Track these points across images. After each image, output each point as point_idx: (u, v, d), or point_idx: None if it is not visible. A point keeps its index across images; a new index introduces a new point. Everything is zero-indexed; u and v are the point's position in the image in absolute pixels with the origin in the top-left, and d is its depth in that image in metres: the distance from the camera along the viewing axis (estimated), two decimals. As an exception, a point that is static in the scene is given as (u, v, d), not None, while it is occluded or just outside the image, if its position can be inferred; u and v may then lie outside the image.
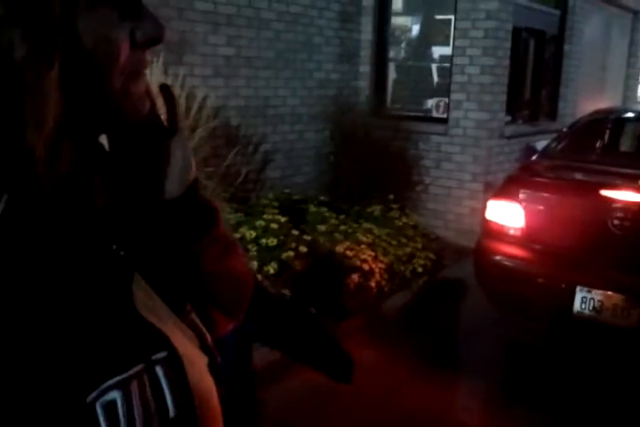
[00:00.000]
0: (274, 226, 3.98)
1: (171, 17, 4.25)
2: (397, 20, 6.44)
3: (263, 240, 3.88)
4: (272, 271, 3.75)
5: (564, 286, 3.47)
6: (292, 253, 3.85)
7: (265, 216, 4.07)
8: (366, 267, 4.05)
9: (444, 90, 5.93)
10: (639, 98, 11.14)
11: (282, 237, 3.93)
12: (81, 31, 0.51)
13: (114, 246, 0.58)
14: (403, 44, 6.68)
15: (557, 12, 6.91)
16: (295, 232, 4.04)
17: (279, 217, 4.09)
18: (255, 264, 3.74)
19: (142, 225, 0.64)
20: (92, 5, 0.52)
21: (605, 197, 3.49)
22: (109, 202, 0.61)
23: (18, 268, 0.49)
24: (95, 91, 0.54)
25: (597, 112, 5.24)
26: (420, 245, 4.58)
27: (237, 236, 3.84)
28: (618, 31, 9.08)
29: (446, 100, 5.82)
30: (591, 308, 3.37)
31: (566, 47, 7.01)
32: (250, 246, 3.84)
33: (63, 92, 0.52)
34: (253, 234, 3.91)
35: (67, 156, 0.54)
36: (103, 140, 0.63)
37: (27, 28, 0.49)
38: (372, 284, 4.08)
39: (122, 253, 0.58)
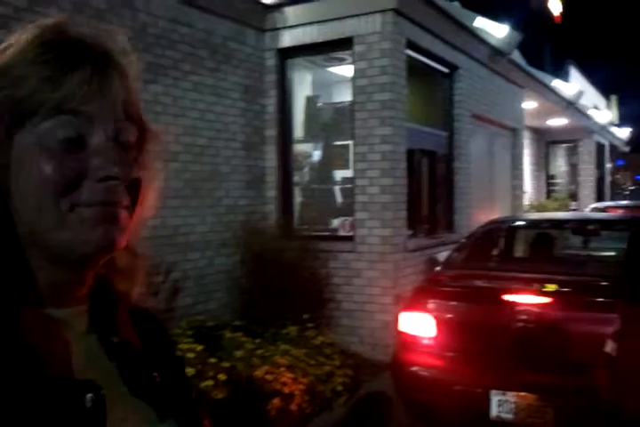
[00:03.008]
0: (190, 355, 3.91)
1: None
2: (299, 147, 6.85)
3: (180, 370, 3.79)
4: (190, 402, 3.64)
5: (479, 391, 3.55)
6: (210, 382, 3.78)
7: (180, 346, 4.01)
8: (286, 390, 4.00)
9: (348, 209, 6.24)
10: (525, 207, 12.03)
11: (199, 366, 3.87)
12: None
13: None
14: (306, 169, 7.05)
15: (445, 134, 7.57)
16: (212, 360, 3.98)
17: (195, 346, 4.04)
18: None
19: None
20: None
21: (507, 302, 3.69)
22: None
23: None
24: None
25: (491, 222, 5.64)
26: (337, 363, 4.60)
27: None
28: (500, 147, 9.96)
29: (351, 219, 6.10)
30: (507, 410, 3.45)
31: (456, 164, 7.61)
32: (166, 378, 3.74)
33: None
34: (169, 365, 3.82)
35: None
36: None
37: None
38: (294, 407, 4.02)
39: None
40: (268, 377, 4.03)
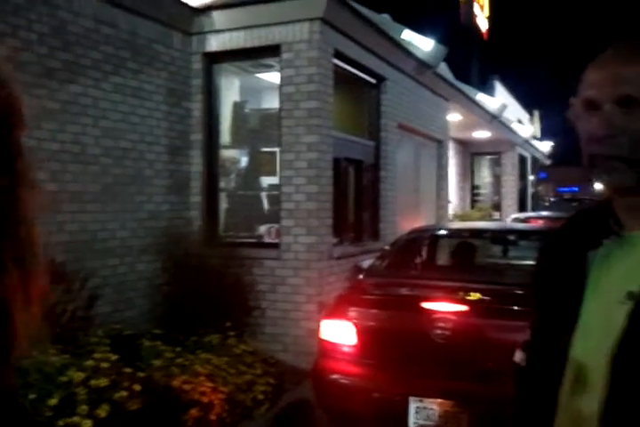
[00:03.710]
0: (104, 365, 3.77)
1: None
2: (226, 153, 6.77)
3: (93, 381, 3.65)
4: (104, 414, 3.51)
5: (398, 398, 3.57)
6: (124, 393, 3.65)
7: (95, 355, 3.86)
8: (205, 399, 3.92)
9: (274, 216, 6.20)
10: (450, 216, 12.31)
11: (114, 377, 3.73)
12: None
13: None
14: (233, 175, 6.98)
15: (372, 143, 7.64)
16: (128, 370, 3.85)
17: (110, 355, 3.90)
18: (85, 408, 3.49)
19: None
20: None
21: (426, 309, 3.74)
22: None
23: None
24: None
25: (414, 231, 5.72)
26: (259, 372, 4.54)
27: (64, 379, 3.60)
28: (426, 157, 10.16)
29: (277, 226, 6.07)
30: (425, 417, 3.48)
31: (382, 173, 7.70)
32: (78, 390, 3.59)
33: None
34: (82, 376, 3.67)
35: None
36: None
37: None
38: (213, 417, 3.94)
39: None
40: (186, 387, 3.93)
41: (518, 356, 1.46)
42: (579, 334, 1.17)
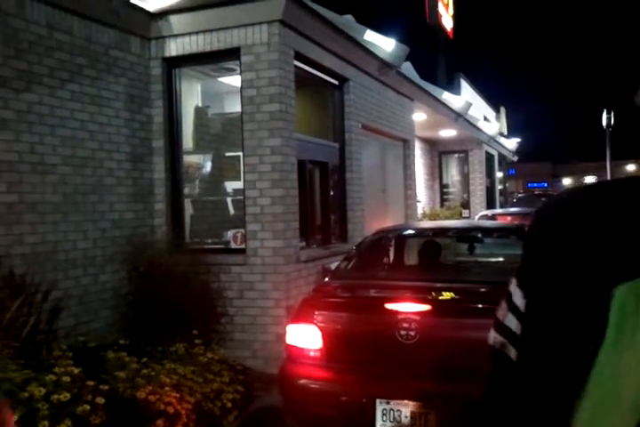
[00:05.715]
0: (66, 379, 3.69)
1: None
2: (189, 158, 6.71)
3: (55, 396, 3.58)
4: (66, 430, 3.44)
5: (364, 400, 3.55)
6: (87, 407, 3.58)
7: (56, 369, 3.78)
8: (171, 410, 3.85)
9: (240, 221, 6.15)
10: (419, 215, 12.35)
11: (75, 391, 3.66)
12: None
13: None
14: (197, 181, 6.92)
15: (337, 145, 7.63)
16: (91, 383, 3.78)
17: (72, 368, 3.82)
18: (46, 424, 3.41)
19: None
20: None
21: (391, 311, 3.72)
22: None
23: None
24: None
25: (379, 231, 5.71)
26: (227, 379, 4.48)
27: (25, 395, 3.51)
28: (393, 157, 10.18)
29: (243, 231, 6.02)
30: (392, 419, 3.46)
31: (348, 175, 7.69)
32: (40, 405, 3.51)
33: None
34: (43, 391, 3.59)
35: None
36: None
37: None
38: (180, 427, 3.88)
39: None
40: (152, 398, 3.87)
41: (492, 338, 1.00)
42: (588, 399, 0.69)
